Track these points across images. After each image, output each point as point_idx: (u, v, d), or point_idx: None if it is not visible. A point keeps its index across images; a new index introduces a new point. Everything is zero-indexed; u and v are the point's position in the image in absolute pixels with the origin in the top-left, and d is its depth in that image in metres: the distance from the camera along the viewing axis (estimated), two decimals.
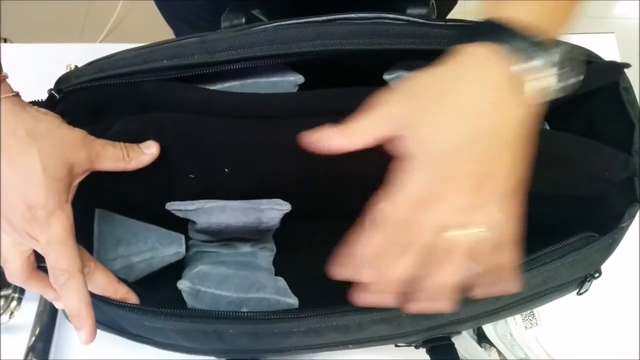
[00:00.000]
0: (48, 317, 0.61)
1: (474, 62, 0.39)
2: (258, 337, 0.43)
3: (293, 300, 0.49)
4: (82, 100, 0.47)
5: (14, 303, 0.60)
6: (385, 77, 0.52)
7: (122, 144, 0.45)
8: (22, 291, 0.60)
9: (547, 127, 0.54)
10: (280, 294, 0.49)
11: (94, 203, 0.50)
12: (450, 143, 0.37)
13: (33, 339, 0.59)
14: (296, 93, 0.50)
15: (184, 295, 0.49)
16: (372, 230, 0.38)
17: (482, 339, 0.62)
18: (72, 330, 0.59)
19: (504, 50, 0.38)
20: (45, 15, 1.73)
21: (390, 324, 0.44)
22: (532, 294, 0.46)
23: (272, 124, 0.48)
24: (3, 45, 0.72)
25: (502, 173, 0.38)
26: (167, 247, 0.51)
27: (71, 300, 0.41)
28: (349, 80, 0.50)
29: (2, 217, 0.41)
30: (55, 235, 0.40)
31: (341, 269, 0.39)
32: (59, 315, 0.61)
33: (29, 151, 0.40)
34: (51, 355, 0.59)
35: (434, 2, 0.59)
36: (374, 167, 0.50)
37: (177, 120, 0.48)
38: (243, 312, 0.43)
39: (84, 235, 0.46)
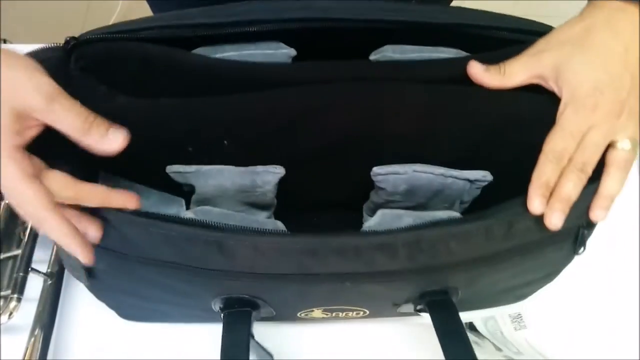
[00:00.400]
0: (47, 318, 0.60)
1: (611, 13, 0.48)
2: (257, 251, 0.44)
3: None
4: (95, 51, 0.50)
5: (13, 303, 0.59)
6: (372, 57, 0.56)
7: (91, 115, 0.42)
8: (20, 291, 0.59)
9: None
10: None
11: (96, 167, 0.51)
12: (595, 84, 0.47)
13: (32, 339, 0.58)
14: (291, 63, 0.54)
15: None
16: (544, 163, 0.47)
17: (474, 332, 0.63)
18: (71, 331, 0.61)
19: None
20: (45, 15, 1.73)
21: (386, 252, 0.45)
22: (527, 243, 0.48)
23: (271, 95, 0.51)
24: (3, 45, 0.72)
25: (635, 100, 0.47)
26: (168, 207, 0.52)
27: (55, 235, 0.42)
28: (337, 59, 0.53)
29: None
30: (7, 184, 0.40)
31: (539, 202, 0.45)
32: (59, 315, 0.61)
33: None
34: (50, 356, 0.58)
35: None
36: (374, 139, 0.53)
37: (180, 108, 0.50)
38: (245, 226, 0.44)
39: None
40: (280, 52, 0.54)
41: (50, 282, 0.62)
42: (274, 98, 0.51)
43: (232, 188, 0.52)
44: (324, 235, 0.44)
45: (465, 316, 0.61)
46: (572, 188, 0.46)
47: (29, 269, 0.61)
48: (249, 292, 0.49)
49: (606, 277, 0.67)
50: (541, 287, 0.60)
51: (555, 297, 0.63)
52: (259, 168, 0.52)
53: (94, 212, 0.44)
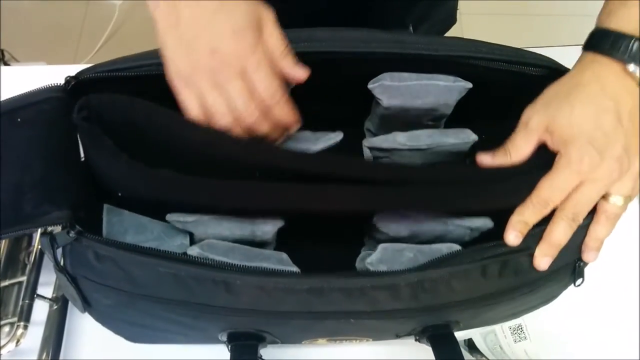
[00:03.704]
0: (54, 342, 0.61)
1: (599, 68, 0.48)
2: (263, 291, 0.45)
3: (295, 269, 0.51)
4: (99, 105, 0.49)
5: (20, 331, 0.60)
6: (370, 86, 0.57)
7: (288, 45, 0.49)
8: (27, 319, 0.60)
9: None
10: (282, 264, 0.51)
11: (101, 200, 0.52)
12: (589, 140, 0.47)
13: None
14: (284, 151, 0.53)
15: None
16: (527, 205, 0.48)
17: (473, 350, 0.64)
18: (78, 354, 0.62)
19: (620, 55, 0.47)
20: (43, 18, 1.73)
21: (389, 292, 0.46)
22: (528, 281, 0.49)
23: (263, 189, 0.49)
24: (3, 68, 0.72)
25: (634, 157, 0.48)
26: (172, 239, 0.53)
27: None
28: (336, 89, 0.55)
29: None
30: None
31: (514, 236, 0.47)
32: (65, 339, 0.62)
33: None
34: None
35: (411, 29, 0.70)
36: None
37: (179, 183, 0.49)
38: (251, 265, 0.46)
39: (93, 225, 0.48)
40: None
41: (55, 306, 0.63)
42: (265, 192, 0.49)
43: (232, 237, 0.52)
44: (330, 276, 0.45)
45: (464, 332, 0.62)
46: (562, 235, 0.48)
47: (35, 296, 0.61)
48: (254, 326, 0.50)
49: (606, 286, 0.68)
50: (539, 308, 0.61)
51: (556, 307, 0.63)
52: (258, 220, 0.52)
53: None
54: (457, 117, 0.58)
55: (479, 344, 0.64)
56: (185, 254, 0.47)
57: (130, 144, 0.47)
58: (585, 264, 0.52)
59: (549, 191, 0.48)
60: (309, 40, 0.53)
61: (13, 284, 0.63)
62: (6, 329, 0.60)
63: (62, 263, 0.47)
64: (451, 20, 0.84)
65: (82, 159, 0.51)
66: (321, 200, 0.48)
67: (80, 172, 0.49)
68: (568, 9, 1.45)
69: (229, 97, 0.47)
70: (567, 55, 0.55)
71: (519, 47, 0.57)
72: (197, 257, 0.45)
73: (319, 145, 0.54)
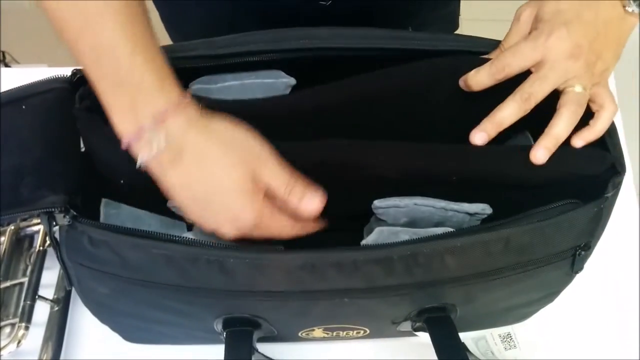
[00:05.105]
0: (55, 343, 0.61)
1: None
2: (257, 269, 0.45)
3: None
4: None
5: (22, 332, 0.60)
6: None
7: (292, 179, 0.46)
8: (28, 320, 0.61)
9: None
10: None
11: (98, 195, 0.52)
12: (563, 19, 0.49)
13: None
14: (282, 96, 0.55)
15: None
16: (489, 66, 0.49)
17: (467, 352, 0.62)
18: (78, 356, 0.62)
19: None
20: (43, 21, 1.75)
21: (383, 266, 0.46)
22: (524, 262, 0.49)
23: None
24: (4, 69, 0.73)
25: (605, 57, 0.50)
26: (169, 231, 0.52)
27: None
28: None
29: None
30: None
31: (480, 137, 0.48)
32: (65, 340, 0.62)
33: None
34: None
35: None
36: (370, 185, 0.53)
37: None
38: (245, 246, 0.46)
39: (91, 218, 0.47)
40: (280, 82, 0.55)
41: (56, 308, 0.63)
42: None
43: None
44: (322, 251, 0.45)
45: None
46: (508, 114, 0.48)
47: (36, 297, 0.62)
48: (250, 311, 0.50)
49: (593, 296, 0.68)
50: (542, 307, 0.61)
51: (545, 315, 0.64)
52: None
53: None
54: None
55: (472, 348, 0.63)
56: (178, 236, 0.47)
57: None
58: (587, 254, 0.51)
59: (509, 56, 0.49)
60: (308, 38, 0.53)
61: (14, 285, 0.63)
62: (7, 329, 0.61)
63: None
64: (453, 25, 0.85)
65: (83, 151, 0.51)
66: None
67: (79, 162, 0.49)
68: None
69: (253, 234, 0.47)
70: None
71: None
72: (191, 239, 0.45)
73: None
